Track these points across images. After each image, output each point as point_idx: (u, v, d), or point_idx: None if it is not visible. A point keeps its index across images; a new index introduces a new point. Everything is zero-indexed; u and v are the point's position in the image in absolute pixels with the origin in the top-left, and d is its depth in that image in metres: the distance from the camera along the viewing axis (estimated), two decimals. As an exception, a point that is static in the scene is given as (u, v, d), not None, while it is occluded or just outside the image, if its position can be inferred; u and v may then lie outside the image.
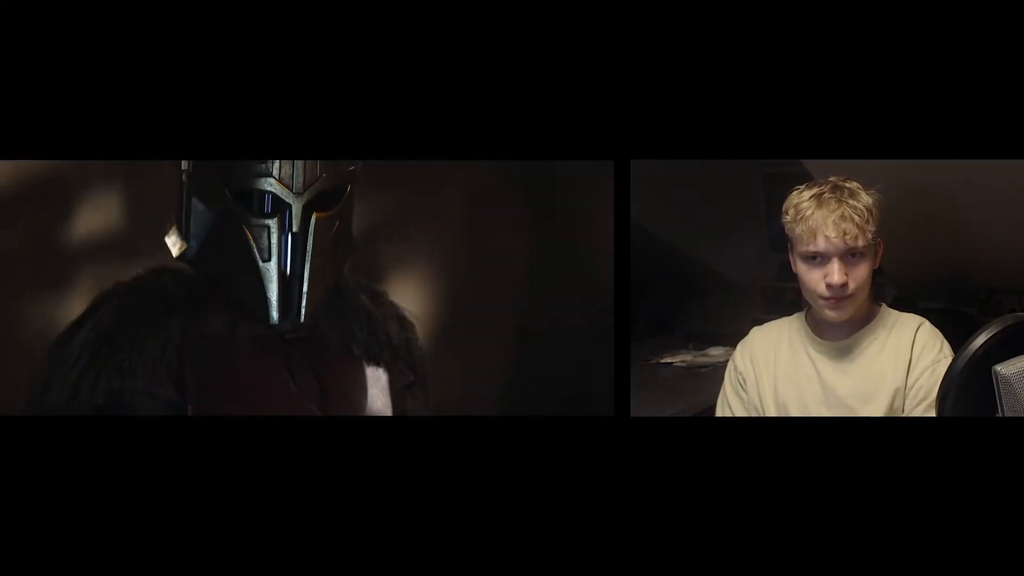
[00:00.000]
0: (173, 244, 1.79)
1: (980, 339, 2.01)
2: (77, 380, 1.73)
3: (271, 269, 1.74)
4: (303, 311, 1.77)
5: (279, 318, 1.76)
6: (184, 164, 1.79)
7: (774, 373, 2.38)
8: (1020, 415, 1.95)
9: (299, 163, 1.75)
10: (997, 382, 1.96)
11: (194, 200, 1.79)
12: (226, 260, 1.77)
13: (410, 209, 2.56)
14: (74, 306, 2.44)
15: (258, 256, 1.74)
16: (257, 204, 1.79)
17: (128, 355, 1.73)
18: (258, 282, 1.75)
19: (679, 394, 3.67)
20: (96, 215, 3.17)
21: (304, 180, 1.76)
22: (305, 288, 1.75)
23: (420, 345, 2.08)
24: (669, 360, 4.24)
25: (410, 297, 2.89)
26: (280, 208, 1.76)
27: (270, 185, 1.76)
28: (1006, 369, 1.95)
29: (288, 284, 1.75)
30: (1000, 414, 1.98)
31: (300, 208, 1.76)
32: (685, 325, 4.84)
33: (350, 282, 1.99)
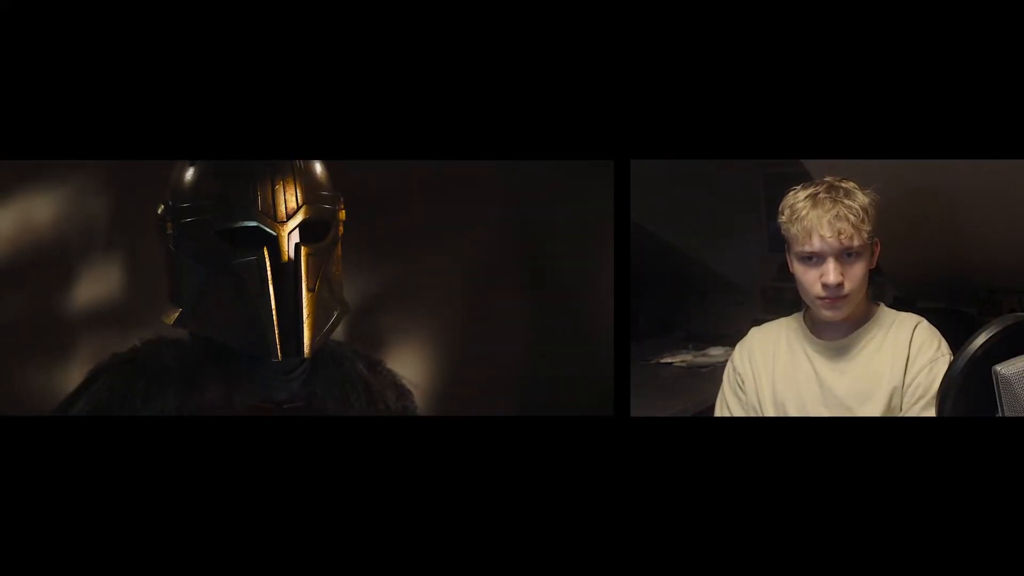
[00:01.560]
0: (168, 317, 1.79)
1: (980, 339, 2.01)
2: None
3: (266, 302, 1.72)
4: (304, 345, 1.74)
5: (281, 354, 1.74)
6: (169, 227, 1.78)
7: (772, 373, 2.38)
8: (1020, 415, 1.95)
9: (279, 193, 1.75)
10: (997, 382, 1.96)
11: (183, 259, 1.78)
12: (223, 308, 1.76)
13: (408, 275, 2.58)
14: (72, 374, 2.44)
15: (252, 291, 1.72)
16: (244, 240, 1.77)
17: None
18: (255, 322, 1.72)
19: (679, 394, 3.67)
20: (96, 284, 3.21)
21: (285, 209, 1.76)
22: (304, 317, 1.73)
23: (418, 413, 2.09)
24: (669, 360, 4.24)
25: (407, 365, 2.91)
26: (267, 240, 1.75)
27: (253, 219, 1.76)
28: (1006, 369, 1.95)
29: (285, 318, 1.73)
30: (1000, 414, 1.98)
31: (286, 236, 1.75)
32: (685, 325, 4.84)
33: (347, 351, 1.98)
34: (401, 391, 2.05)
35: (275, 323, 1.71)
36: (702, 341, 4.44)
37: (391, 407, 1.96)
